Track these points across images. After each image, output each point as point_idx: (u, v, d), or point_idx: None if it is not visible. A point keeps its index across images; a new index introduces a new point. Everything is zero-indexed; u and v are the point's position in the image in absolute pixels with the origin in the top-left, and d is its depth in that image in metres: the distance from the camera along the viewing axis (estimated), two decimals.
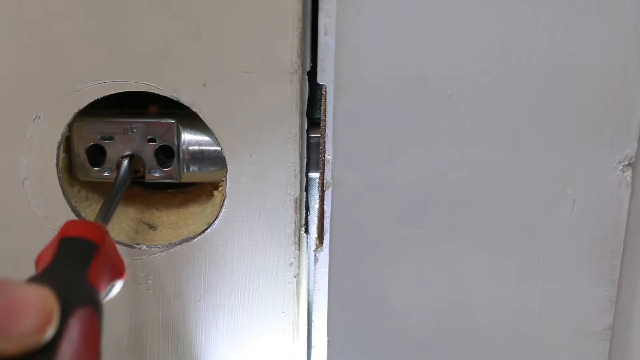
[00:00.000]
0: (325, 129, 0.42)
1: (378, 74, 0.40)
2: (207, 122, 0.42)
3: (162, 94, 0.42)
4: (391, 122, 0.40)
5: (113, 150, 0.45)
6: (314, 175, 0.45)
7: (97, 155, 0.46)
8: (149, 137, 0.45)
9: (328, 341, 0.45)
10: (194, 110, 0.42)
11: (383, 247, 0.43)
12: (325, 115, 0.42)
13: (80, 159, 0.45)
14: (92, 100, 0.42)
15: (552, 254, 0.42)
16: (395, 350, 0.45)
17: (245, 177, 0.43)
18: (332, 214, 0.43)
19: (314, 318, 0.46)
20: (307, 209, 0.45)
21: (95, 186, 0.48)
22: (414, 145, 0.41)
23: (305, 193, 0.44)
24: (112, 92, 0.42)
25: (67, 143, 0.45)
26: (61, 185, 0.44)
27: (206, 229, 0.44)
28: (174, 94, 0.41)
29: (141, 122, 0.45)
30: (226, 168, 0.43)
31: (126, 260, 0.45)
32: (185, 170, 0.46)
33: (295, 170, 0.42)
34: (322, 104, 0.42)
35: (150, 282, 0.45)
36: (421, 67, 0.39)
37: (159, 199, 0.50)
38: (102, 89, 0.42)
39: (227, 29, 0.40)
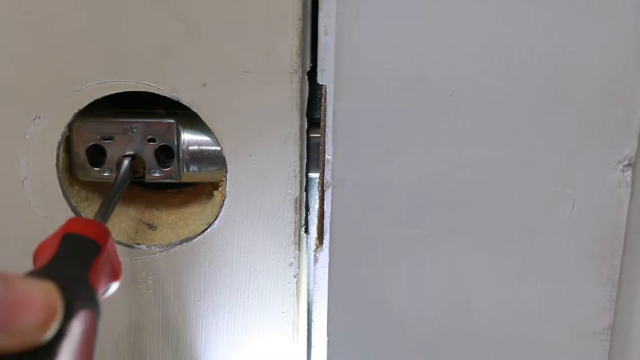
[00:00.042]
0: (325, 129, 0.42)
1: (378, 74, 0.40)
2: (207, 122, 0.42)
3: (162, 94, 0.42)
4: (391, 122, 0.40)
5: (113, 150, 0.45)
6: (314, 175, 0.45)
7: (97, 155, 0.46)
8: (149, 137, 0.45)
9: (328, 341, 0.45)
10: (194, 110, 0.42)
11: (383, 247, 0.43)
12: (325, 115, 0.42)
13: (80, 159, 0.45)
14: (92, 100, 0.42)
15: (552, 254, 0.42)
16: (395, 350, 0.45)
17: (245, 177, 0.43)
18: (332, 214, 0.43)
19: (314, 318, 0.46)
20: (307, 209, 0.45)
21: (95, 186, 0.48)
22: (414, 145, 0.41)
23: (305, 193, 0.44)
24: (112, 92, 0.42)
25: (67, 143, 0.45)
26: (61, 185, 0.44)
27: (206, 229, 0.44)
28: (174, 94, 0.41)
29: (141, 122, 0.45)
30: (226, 168, 0.43)
31: (126, 260, 0.45)
32: (185, 170, 0.46)
33: (295, 170, 0.42)
34: (322, 104, 0.42)
35: (150, 282, 0.45)
36: (421, 67, 0.39)
37: (159, 199, 0.50)
38: (102, 89, 0.42)
39: (227, 29, 0.40)
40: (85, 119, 0.44)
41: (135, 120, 0.45)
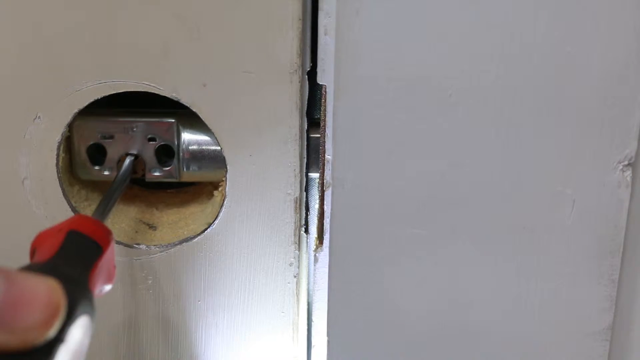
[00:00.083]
0: (325, 129, 0.42)
1: (378, 74, 0.40)
2: (207, 122, 0.42)
3: (162, 94, 0.42)
4: (391, 122, 0.40)
5: (113, 149, 0.45)
6: (314, 175, 0.45)
7: (97, 154, 0.46)
8: (149, 136, 0.45)
9: (328, 341, 0.45)
10: (194, 110, 0.42)
11: (383, 247, 0.43)
12: (325, 115, 0.42)
13: (80, 158, 0.45)
14: (92, 100, 0.42)
15: (552, 254, 0.42)
16: (396, 351, 0.45)
17: (245, 177, 0.43)
18: (332, 214, 0.43)
19: (314, 318, 0.46)
20: (307, 209, 0.45)
21: (95, 186, 0.48)
22: (414, 145, 0.41)
23: (305, 193, 0.44)
24: (112, 92, 0.42)
25: (67, 143, 0.45)
26: (61, 185, 0.44)
27: (206, 229, 0.44)
28: (174, 94, 0.41)
29: (141, 121, 0.45)
30: (226, 168, 0.43)
31: (126, 260, 0.45)
32: (185, 169, 0.46)
33: (295, 170, 0.42)
34: (322, 104, 0.42)
35: (150, 282, 0.45)
36: (421, 67, 0.39)
37: (159, 198, 0.50)
38: (102, 89, 0.42)
39: (227, 29, 0.40)
40: (86, 117, 0.44)
41: (135, 119, 0.45)
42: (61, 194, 0.44)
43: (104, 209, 0.40)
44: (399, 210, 0.42)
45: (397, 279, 0.43)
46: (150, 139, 0.45)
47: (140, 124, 0.45)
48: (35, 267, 0.30)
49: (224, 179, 0.44)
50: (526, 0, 0.38)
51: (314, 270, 0.45)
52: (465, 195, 0.41)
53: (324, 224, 0.43)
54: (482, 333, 0.44)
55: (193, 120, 0.43)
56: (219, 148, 0.43)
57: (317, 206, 0.45)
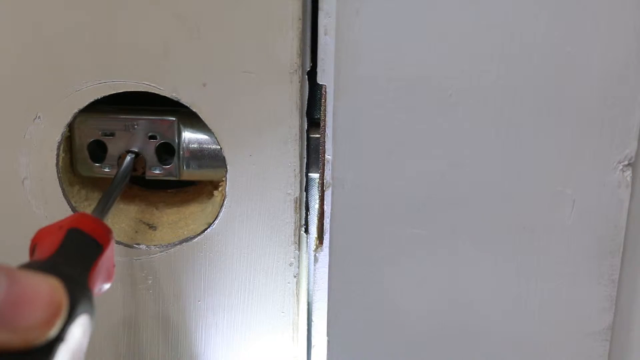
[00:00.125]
0: (325, 129, 0.42)
1: (378, 74, 0.40)
2: (207, 122, 0.42)
3: (162, 94, 0.42)
4: (391, 122, 0.40)
5: (114, 147, 0.45)
6: (314, 175, 0.45)
7: (98, 151, 0.46)
8: (150, 134, 0.45)
9: (328, 341, 0.45)
10: (194, 110, 0.42)
11: (383, 247, 0.43)
12: (325, 115, 0.42)
13: (81, 155, 0.46)
14: (92, 100, 0.42)
15: (552, 254, 0.42)
16: (396, 351, 0.45)
17: (245, 177, 0.43)
18: (332, 214, 0.43)
19: (314, 318, 0.46)
20: (307, 209, 0.45)
21: (95, 185, 0.48)
22: (414, 145, 0.41)
23: (305, 193, 0.44)
24: (112, 92, 0.42)
25: (67, 143, 0.45)
26: (61, 185, 0.44)
27: (206, 229, 0.44)
28: (174, 94, 0.41)
29: (143, 119, 0.45)
30: (226, 167, 0.43)
31: (126, 260, 0.45)
32: (185, 168, 0.46)
33: (295, 170, 0.42)
34: (322, 104, 0.42)
35: (149, 282, 0.45)
36: (421, 67, 0.39)
37: (159, 198, 0.50)
38: (102, 89, 0.42)
39: (227, 29, 0.40)
40: (87, 114, 0.44)
41: (137, 117, 0.45)
42: (61, 193, 0.44)
43: (103, 207, 0.40)
44: (399, 210, 0.42)
45: (397, 279, 0.43)
46: (151, 137, 0.45)
47: (141, 122, 0.45)
48: (36, 265, 0.30)
49: (224, 178, 0.44)
50: (526, 0, 0.38)
51: (314, 270, 0.45)
52: (465, 195, 0.41)
53: (324, 224, 0.43)
54: (482, 333, 0.44)
55: (194, 119, 0.43)
56: (219, 147, 0.43)
57: (317, 206, 0.45)
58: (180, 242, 0.45)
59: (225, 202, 0.43)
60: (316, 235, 0.45)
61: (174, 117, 0.45)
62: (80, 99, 0.42)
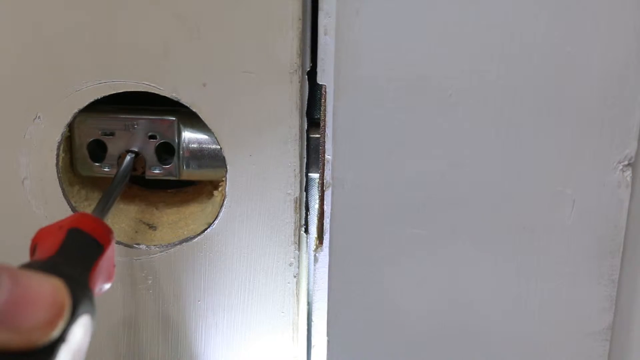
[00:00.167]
0: (325, 129, 0.42)
1: (378, 74, 0.40)
2: (207, 122, 0.42)
3: (162, 94, 0.42)
4: (391, 122, 0.40)
5: (114, 146, 0.45)
6: (314, 175, 0.45)
7: (98, 150, 0.46)
8: (150, 133, 0.45)
9: (328, 341, 0.45)
10: (194, 110, 0.42)
11: (383, 247, 0.43)
12: (325, 115, 0.42)
13: (81, 154, 0.46)
14: (92, 100, 0.42)
15: (552, 254, 0.42)
16: (395, 351, 0.45)
17: (245, 177, 0.43)
18: (332, 214, 0.43)
19: (313, 318, 0.46)
20: (307, 209, 0.45)
21: (95, 185, 0.48)
22: (414, 145, 0.41)
23: (305, 193, 0.44)
24: (112, 92, 0.42)
25: (67, 143, 0.45)
26: (61, 185, 0.44)
27: (206, 229, 0.44)
28: (173, 94, 0.41)
29: (143, 118, 0.45)
30: (226, 168, 0.43)
31: (126, 260, 0.45)
32: (185, 167, 0.46)
33: (295, 170, 0.42)
34: (322, 104, 0.42)
35: (149, 282, 0.45)
36: (421, 67, 0.39)
37: (159, 198, 0.50)
38: (102, 89, 0.42)
39: (227, 29, 0.40)
40: (87, 114, 0.44)
41: (137, 116, 0.45)
42: (61, 193, 0.44)
43: (103, 207, 0.40)
44: (399, 210, 0.42)
45: (397, 279, 0.43)
46: (151, 137, 0.45)
47: (141, 122, 0.45)
48: (37, 265, 0.30)
49: (223, 178, 0.44)
50: (526, 0, 0.38)
51: (314, 270, 0.45)
52: (465, 195, 0.41)
53: (324, 224, 0.43)
54: (482, 333, 0.44)
55: (194, 119, 0.43)
56: (219, 147, 0.43)
57: (317, 206, 0.45)
58: (180, 242, 0.45)
59: (225, 202, 0.43)
60: (316, 235, 0.45)
61: (174, 116, 0.45)
62: (80, 99, 0.42)
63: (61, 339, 0.26)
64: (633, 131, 0.39)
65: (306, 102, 0.42)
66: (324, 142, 0.42)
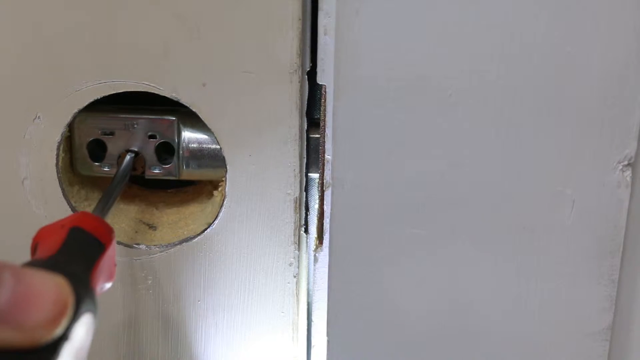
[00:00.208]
0: (325, 129, 0.42)
1: (378, 74, 0.40)
2: (206, 122, 0.42)
3: (162, 94, 0.42)
4: (391, 122, 0.40)
5: (114, 146, 0.45)
6: (314, 175, 0.45)
7: (97, 150, 0.46)
8: (150, 133, 0.45)
9: (328, 341, 0.45)
10: (194, 110, 0.42)
11: (383, 247, 0.43)
12: (325, 115, 0.42)
13: (81, 154, 0.46)
14: (91, 100, 0.42)
15: (552, 254, 0.42)
16: (395, 351, 0.45)
17: (245, 177, 0.43)
18: (332, 214, 0.43)
19: (313, 318, 0.46)
20: (307, 209, 0.45)
21: (94, 185, 0.48)
22: (414, 145, 0.41)
23: (305, 193, 0.44)
24: (112, 92, 0.42)
25: (67, 143, 0.45)
26: (61, 185, 0.44)
27: (206, 229, 0.44)
28: (173, 94, 0.41)
29: (142, 118, 0.45)
30: (226, 167, 0.43)
31: (126, 260, 0.45)
32: (184, 167, 0.46)
33: (295, 170, 0.42)
34: (322, 104, 0.42)
35: (149, 282, 0.45)
36: (421, 67, 0.39)
37: (159, 198, 0.50)
38: (101, 89, 0.42)
39: (227, 29, 0.40)
40: (87, 113, 0.44)
41: (136, 116, 0.45)
42: (61, 193, 0.44)
43: (104, 206, 0.40)
44: (398, 210, 0.42)
45: (397, 279, 0.43)
46: (151, 137, 0.45)
47: (141, 121, 0.45)
48: (39, 264, 0.30)
49: (223, 178, 0.44)
50: (526, 0, 0.38)
51: (314, 270, 0.45)
52: (465, 195, 0.41)
53: (324, 224, 0.43)
54: (482, 333, 0.44)
55: (194, 119, 0.43)
56: (219, 147, 0.43)
57: (317, 206, 0.45)
58: (180, 242, 0.45)
59: (225, 202, 0.43)
60: (316, 235, 0.45)
61: (173, 116, 0.45)
62: (80, 99, 0.42)
63: (64, 337, 0.26)
64: (633, 131, 0.39)
65: (306, 102, 0.42)
66: (324, 142, 0.42)
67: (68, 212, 0.44)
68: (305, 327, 0.47)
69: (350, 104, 0.40)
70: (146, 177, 0.46)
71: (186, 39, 0.40)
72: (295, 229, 0.44)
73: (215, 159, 0.45)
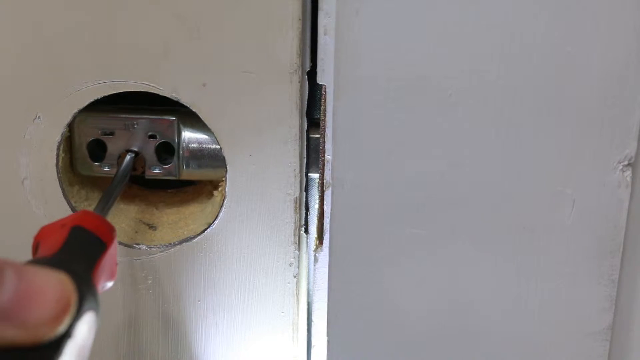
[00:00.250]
0: (325, 129, 0.42)
1: (378, 74, 0.40)
2: (206, 122, 0.42)
3: (162, 94, 0.42)
4: (391, 122, 0.40)
5: (114, 146, 0.45)
6: (314, 175, 0.45)
7: (97, 150, 0.46)
8: (150, 133, 0.45)
9: (328, 341, 0.45)
10: (194, 110, 0.42)
11: (383, 247, 0.43)
12: (325, 115, 0.42)
13: (81, 153, 0.46)
14: (91, 100, 0.42)
15: (552, 254, 0.42)
16: (395, 351, 0.45)
17: (245, 177, 0.43)
18: (332, 214, 0.43)
19: (313, 318, 0.46)
20: (307, 209, 0.45)
21: (94, 185, 0.48)
22: (414, 145, 0.41)
23: (305, 193, 0.44)
24: (112, 92, 0.42)
25: (67, 143, 0.45)
26: (61, 185, 0.44)
27: (206, 229, 0.44)
28: (173, 94, 0.41)
29: (143, 118, 0.45)
30: (226, 167, 0.43)
31: (126, 260, 0.45)
32: (185, 167, 0.46)
33: (295, 170, 0.42)
34: (322, 104, 0.42)
35: (150, 282, 0.45)
36: (421, 67, 0.39)
37: (159, 198, 0.50)
38: (101, 89, 0.42)
39: (227, 29, 0.40)
40: (87, 113, 0.44)
41: (136, 116, 0.45)
42: (61, 193, 0.44)
43: (104, 206, 0.40)
44: (399, 210, 0.42)
45: (397, 279, 0.43)
46: (151, 137, 0.45)
47: (141, 121, 0.45)
48: (42, 262, 0.30)
49: (223, 178, 0.44)
50: (526, 0, 0.38)
51: (314, 270, 0.45)
52: (465, 195, 0.41)
53: (324, 224, 0.43)
54: (482, 333, 0.44)
55: (194, 119, 0.43)
56: (219, 147, 0.43)
57: (317, 206, 0.45)
58: (180, 242, 0.45)
59: (225, 202, 0.43)
60: (316, 235, 0.45)
61: (173, 116, 0.45)
62: (80, 99, 0.42)
63: (67, 334, 0.26)
64: (633, 131, 0.39)
65: (306, 102, 0.42)
66: (324, 142, 0.42)
67: (68, 212, 0.44)
68: (305, 327, 0.47)
69: (350, 104, 0.40)
70: (146, 177, 0.46)
71: (186, 39, 0.40)
72: (295, 229, 0.44)
73: (215, 159, 0.45)
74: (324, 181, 0.43)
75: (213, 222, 0.44)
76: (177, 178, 0.46)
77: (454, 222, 0.42)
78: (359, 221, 0.42)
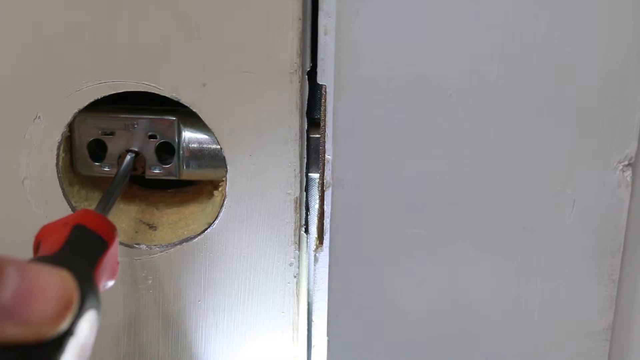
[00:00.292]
0: (325, 129, 0.42)
1: (378, 74, 0.40)
2: (207, 122, 0.42)
3: (162, 94, 0.42)
4: (391, 122, 0.40)
5: (114, 146, 0.45)
6: (314, 175, 0.45)
7: (98, 150, 0.46)
8: (150, 133, 0.45)
9: (328, 341, 0.45)
10: (194, 110, 0.42)
11: (383, 247, 0.43)
12: (325, 115, 0.42)
13: (81, 154, 0.46)
14: (92, 100, 0.42)
15: (552, 254, 0.42)
16: (395, 351, 0.45)
17: (246, 177, 0.43)
18: (332, 214, 0.43)
19: (314, 318, 0.46)
20: (307, 209, 0.45)
21: (95, 185, 0.48)
22: (414, 145, 0.41)
23: (305, 193, 0.44)
24: (112, 92, 0.42)
25: (67, 143, 0.45)
26: (61, 185, 0.44)
27: (206, 229, 0.44)
28: (174, 94, 0.41)
29: (143, 118, 0.45)
30: (226, 167, 0.43)
31: (126, 260, 0.45)
32: (185, 167, 0.46)
33: (295, 170, 0.42)
34: (322, 104, 0.42)
35: (150, 282, 0.45)
36: (421, 67, 0.39)
37: (159, 198, 0.50)
38: (102, 89, 0.42)
39: (227, 29, 0.40)
40: (87, 113, 0.44)
41: (137, 116, 0.45)
42: (61, 193, 0.44)
43: (104, 207, 0.40)
44: (399, 210, 0.42)
45: (397, 279, 0.43)
46: (151, 137, 0.45)
47: (141, 121, 0.45)
48: (44, 260, 0.30)
49: (224, 178, 0.44)
50: (526, 0, 0.38)
51: (314, 270, 0.45)
52: (465, 195, 0.41)
53: (324, 224, 0.43)
54: (482, 333, 0.44)
55: (194, 119, 0.43)
56: (219, 147, 0.43)
57: (317, 206, 0.45)
58: (180, 242, 0.45)
59: (225, 202, 0.43)
60: (316, 235, 0.45)
61: (174, 116, 0.45)
62: (80, 99, 0.42)
63: (69, 332, 0.26)
64: (633, 131, 0.39)
65: (306, 102, 0.42)
66: (324, 142, 0.42)
67: (68, 212, 0.44)
68: (306, 327, 0.47)
69: (350, 104, 0.40)
70: (146, 177, 0.46)
71: (186, 39, 0.40)
72: (295, 229, 0.44)
73: (215, 159, 0.45)
74: (324, 181, 0.43)
75: (213, 222, 0.44)
76: (177, 178, 0.46)
77: (454, 222, 0.42)
78: (359, 221, 0.42)
